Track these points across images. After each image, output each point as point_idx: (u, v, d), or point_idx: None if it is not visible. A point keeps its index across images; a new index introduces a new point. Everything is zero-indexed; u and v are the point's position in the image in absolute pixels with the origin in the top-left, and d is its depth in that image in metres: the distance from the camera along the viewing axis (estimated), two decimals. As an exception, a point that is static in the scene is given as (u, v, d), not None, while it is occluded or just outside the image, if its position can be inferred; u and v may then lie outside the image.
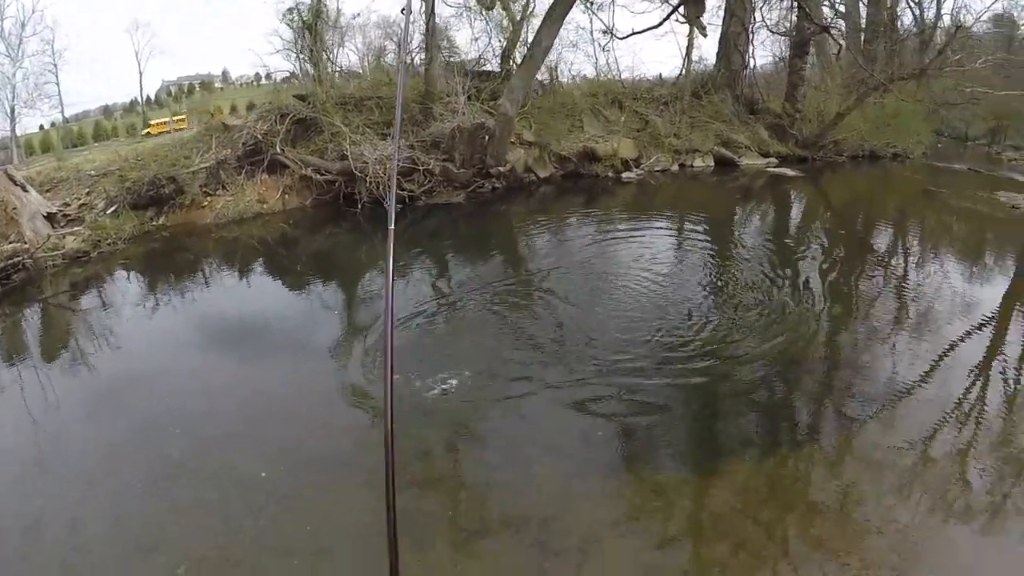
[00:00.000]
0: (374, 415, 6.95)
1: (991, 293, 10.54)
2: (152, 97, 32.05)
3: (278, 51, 21.17)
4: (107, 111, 31.68)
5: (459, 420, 6.94)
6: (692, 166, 22.77)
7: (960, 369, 8.10)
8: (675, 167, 22.44)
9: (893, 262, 12.16)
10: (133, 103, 31.30)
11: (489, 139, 18.04)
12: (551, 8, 18.36)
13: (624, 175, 20.92)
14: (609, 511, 5.78)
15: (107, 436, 6.85)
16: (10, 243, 13.12)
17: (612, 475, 6.44)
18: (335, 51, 20.73)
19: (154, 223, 16.16)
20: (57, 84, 29.23)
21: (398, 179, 16.81)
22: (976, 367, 8.19)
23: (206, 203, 16.83)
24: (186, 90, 30.84)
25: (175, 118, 31.37)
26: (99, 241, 14.61)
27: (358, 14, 20.27)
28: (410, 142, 17.47)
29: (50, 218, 14.61)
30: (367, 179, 16.30)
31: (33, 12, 26.39)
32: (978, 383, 7.90)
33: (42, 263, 13.33)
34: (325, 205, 17.40)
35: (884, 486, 6.24)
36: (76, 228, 14.82)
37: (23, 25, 26.19)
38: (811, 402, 7.60)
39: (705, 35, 24.43)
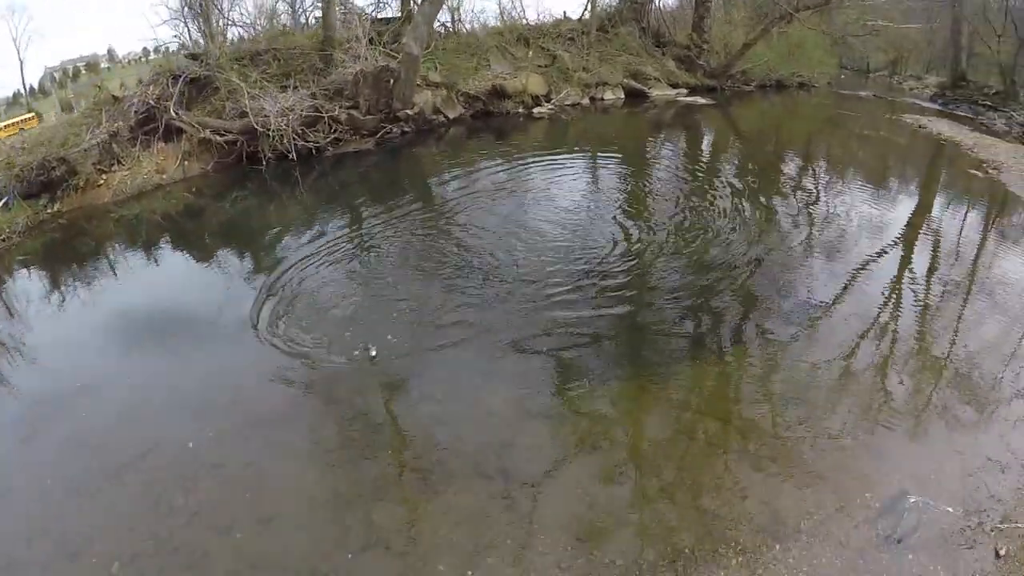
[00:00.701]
0: (298, 377, 6.86)
1: (900, 212, 10.85)
2: (36, 86, 30.04)
3: (165, 21, 19.90)
4: (-13, 109, 29.64)
5: (396, 374, 6.88)
6: (603, 99, 22.77)
7: (874, 285, 8.46)
8: (586, 101, 22.43)
9: (806, 186, 12.34)
10: (16, 95, 29.33)
11: (394, 82, 17.58)
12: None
13: (535, 110, 20.80)
14: (557, 435, 6.04)
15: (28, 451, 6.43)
16: None
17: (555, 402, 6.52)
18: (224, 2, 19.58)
19: (49, 210, 15.04)
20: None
21: (302, 131, 16.29)
22: (889, 283, 8.51)
23: (102, 181, 15.79)
24: (71, 74, 29.02)
25: (22, 117, 29.57)
26: None
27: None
28: (312, 91, 16.80)
29: None
30: (270, 134, 15.62)
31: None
32: (892, 298, 8.23)
33: None
34: (228, 168, 16.54)
35: (810, 397, 6.55)
36: None
37: None
38: (736, 323, 7.74)
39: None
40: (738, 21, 26.85)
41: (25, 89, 29.59)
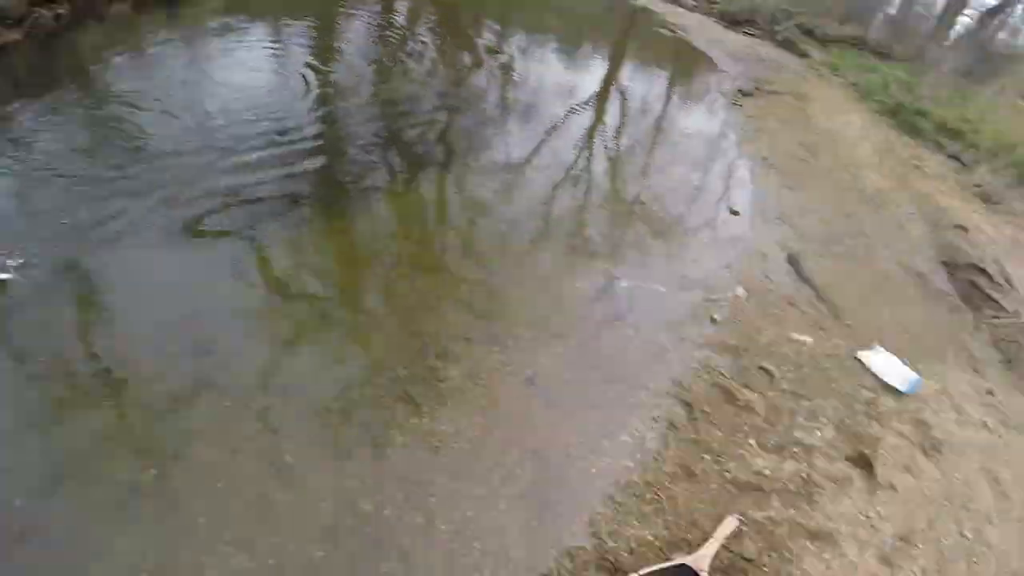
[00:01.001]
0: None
1: (593, 66, 11.14)
2: None
3: None
4: None
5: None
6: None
7: (569, 138, 8.76)
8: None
9: (498, 51, 12.05)
10: None
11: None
12: None
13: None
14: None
15: None
16: None
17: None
18: None
19: None
20: None
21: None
22: (580, 141, 8.85)
23: None
24: None
25: None
26: None
27: None
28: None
29: None
30: None
31: None
32: (584, 154, 8.59)
33: None
34: None
35: (509, 242, 6.74)
36: None
37: None
38: (435, 167, 7.60)
39: None
40: None
41: None
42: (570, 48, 13.29)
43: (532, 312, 6.15)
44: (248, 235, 6.60)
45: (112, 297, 5.87)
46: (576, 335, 6.04)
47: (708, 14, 22.17)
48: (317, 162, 7.82)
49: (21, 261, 5.89)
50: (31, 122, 9.62)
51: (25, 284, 5.77)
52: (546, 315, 6.21)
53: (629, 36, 16.64)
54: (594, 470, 5.04)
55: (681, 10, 21.91)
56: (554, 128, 8.99)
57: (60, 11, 15.33)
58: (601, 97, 10.48)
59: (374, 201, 7.34)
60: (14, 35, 14.54)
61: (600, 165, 8.57)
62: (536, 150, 8.40)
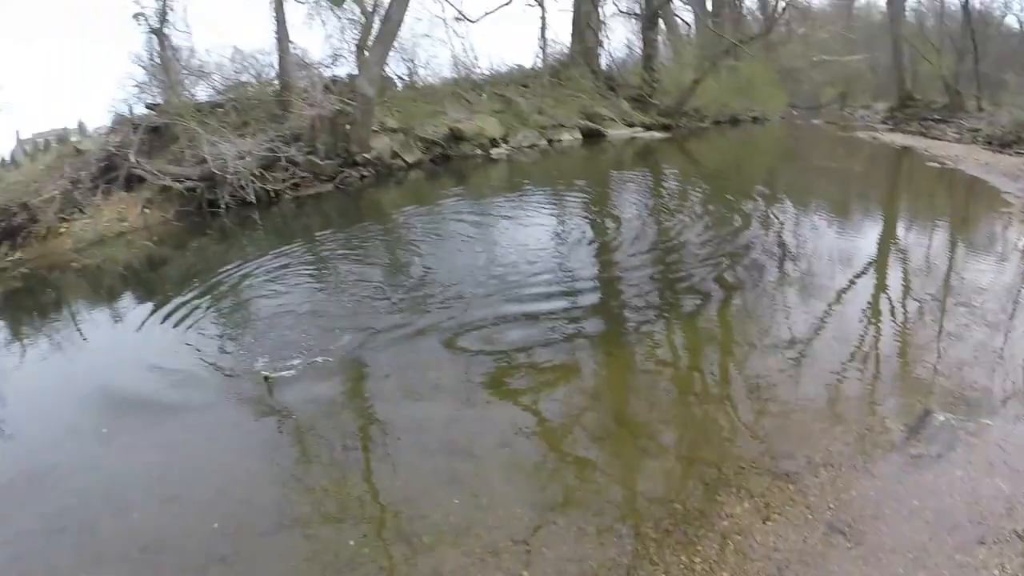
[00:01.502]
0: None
1: (869, 233, 10.76)
2: (7, 159, 30.33)
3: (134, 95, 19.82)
4: (-44, 177, 29.75)
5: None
6: (560, 140, 23.41)
7: (852, 315, 8.02)
8: (543, 143, 23.04)
9: (772, 215, 12.06)
10: (-15, 166, 29.51)
11: (351, 125, 18.05)
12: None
13: (493, 152, 21.37)
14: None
15: None
16: None
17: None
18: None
19: (9, 258, 15.09)
20: None
21: (261, 174, 16.65)
22: (865, 312, 8.09)
23: (63, 229, 15.94)
24: (43, 147, 29.41)
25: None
26: None
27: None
28: (270, 136, 17.22)
29: None
30: (228, 178, 16.07)
31: None
32: (869, 323, 7.84)
33: None
34: (189, 215, 16.76)
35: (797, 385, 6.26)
36: None
37: None
38: (715, 357, 7.32)
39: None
40: (686, 59, 27.81)
41: (-6, 161, 29.76)
42: (841, 203, 12.84)
43: (827, 444, 5.25)
44: (523, 358, 6.83)
45: (386, 389, 6.44)
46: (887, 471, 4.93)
47: (974, 142, 21.08)
48: (593, 297, 8.21)
49: (315, 360, 6.76)
50: (336, 248, 11.76)
51: (307, 377, 6.52)
52: (844, 450, 5.27)
53: (900, 175, 16.02)
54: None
55: (943, 143, 21.09)
56: (833, 293, 8.40)
57: (365, 173, 18.76)
58: (882, 256, 9.82)
59: (650, 334, 7.24)
60: (327, 187, 17.86)
61: (888, 333, 7.45)
62: (820, 326, 7.64)
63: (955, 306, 7.73)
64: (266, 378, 6.37)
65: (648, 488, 4.99)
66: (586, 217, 12.05)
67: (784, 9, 27.27)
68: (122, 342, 9.32)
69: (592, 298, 8.37)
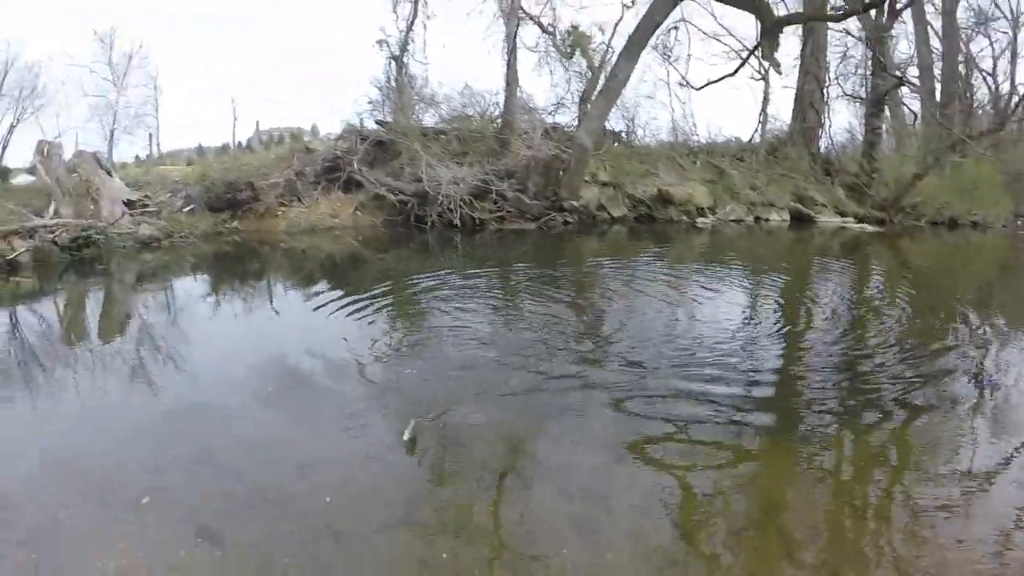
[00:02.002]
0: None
1: None
2: (244, 143, 33.24)
3: (367, 111, 20.84)
4: (200, 151, 32.96)
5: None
6: (768, 220, 22.22)
7: None
8: (750, 219, 21.95)
9: (980, 335, 10.58)
10: (224, 147, 32.46)
11: (563, 172, 17.99)
12: (628, 42, 18.51)
13: (699, 221, 20.54)
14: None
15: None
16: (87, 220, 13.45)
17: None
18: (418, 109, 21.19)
19: (227, 225, 16.45)
20: (156, 117, 30.28)
21: (470, 201, 16.91)
22: None
23: (279, 212, 17.06)
24: (276, 139, 32.05)
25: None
26: (172, 232, 14.92)
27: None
28: (485, 169, 17.52)
29: (129, 205, 14.93)
30: (439, 199, 16.38)
31: (140, 47, 27.65)
32: None
33: (114, 242, 13.49)
34: (396, 225, 17.46)
35: None
36: (152, 219, 15.15)
37: (130, 57, 27.58)
38: (885, 477, 6.59)
39: (780, 72, 24.01)
40: (908, 151, 25.81)
41: (233, 143, 32.56)
42: None
43: None
44: (685, 434, 6.42)
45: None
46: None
47: None
48: (770, 389, 7.66)
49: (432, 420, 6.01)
50: (526, 281, 11.80)
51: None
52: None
53: None
54: None
55: None
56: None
57: (569, 220, 18.45)
58: None
59: (821, 439, 6.70)
60: (530, 225, 17.91)
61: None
62: (1002, 448, 6.70)
63: None
64: (410, 441, 5.47)
65: None
66: (781, 304, 11.05)
67: (1019, 105, 24.56)
68: (303, 321, 9.54)
69: (769, 390, 7.61)
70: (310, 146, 19.60)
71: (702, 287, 12.20)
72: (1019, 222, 29.89)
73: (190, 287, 11.76)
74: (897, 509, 5.39)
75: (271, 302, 10.92)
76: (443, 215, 16.61)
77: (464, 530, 4.56)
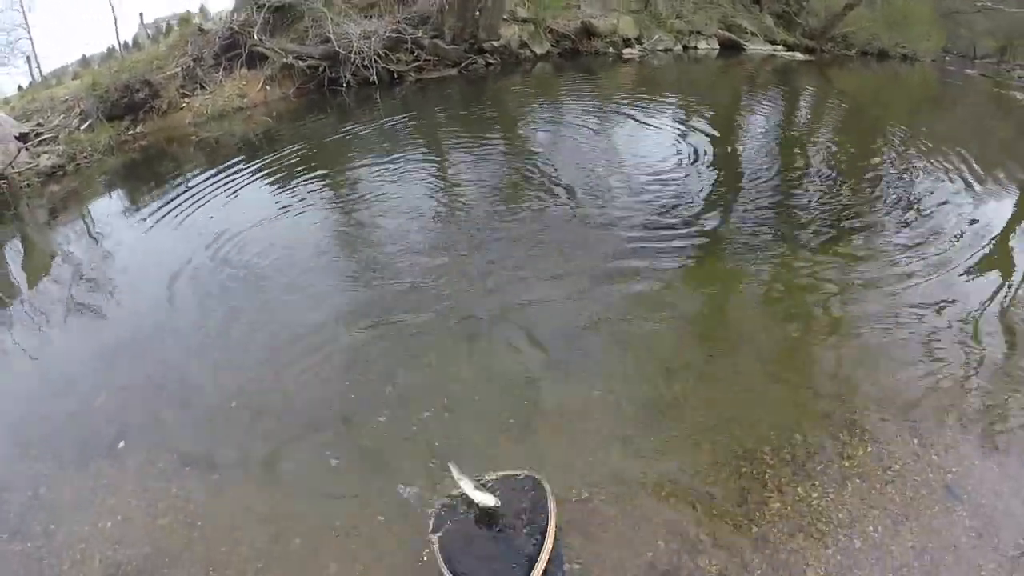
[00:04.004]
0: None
1: (1000, 203, 8.87)
2: (130, 42, 30.54)
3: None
4: (85, 62, 30.28)
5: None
6: (696, 48, 21.58)
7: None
8: (678, 48, 21.29)
9: (907, 162, 10.43)
10: (111, 51, 29.86)
11: (480, 11, 16.90)
12: None
13: (625, 52, 19.77)
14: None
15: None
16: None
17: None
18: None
19: (131, 132, 15.17)
20: (30, 39, 27.71)
21: (383, 54, 15.89)
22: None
23: (184, 104, 15.84)
24: (164, 30, 29.53)
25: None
26: (75, 155, 13.75)
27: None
28: (396, 18, 16.36)
29: (23, 139, 13.66)
30: (352, 57, 15.43)
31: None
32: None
33: (16, 183, 12.47)
34: (309, 93, 16.39)
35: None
36: (50, 147, 13.93)
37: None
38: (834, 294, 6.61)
39: None
40: None
41: (119, 45, 29.99)
42: (986, 163, 10.34)
43: (963, 402, 4.77)
44: (630, 263, 6.69)
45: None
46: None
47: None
48: (707, 216, 7.61)
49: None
50: (456, 149, 11.08)
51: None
52: (975, 410, 4.77)
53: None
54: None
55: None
56: (944, 241, 7.13)
57: (491, 61, 17.71)
58: (1010, 226, 7.94)
59: (762, 260, 6.75)
60: (452, 72, 17.01)
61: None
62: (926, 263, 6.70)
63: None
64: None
65: (768, 413, 4.77)
66: (712, 134, 10.96)
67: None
68: (227, 216, 9.16)
69: (708, 216, 7.86)
70: (203, 27, 17.88)
71: (632, 120, 12.01)
72: (947, 58, 29.87)
73: (105, 208, 10.90)
74: (828, 319, 5.85)
75: (192, 202, 10.10)
76: (357, 73, 15.62)
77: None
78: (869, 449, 4.44)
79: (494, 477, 3.84)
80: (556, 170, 9.15)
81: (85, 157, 13.80)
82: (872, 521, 3.99)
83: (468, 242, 7.29)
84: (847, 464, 4.33)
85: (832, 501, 4.09)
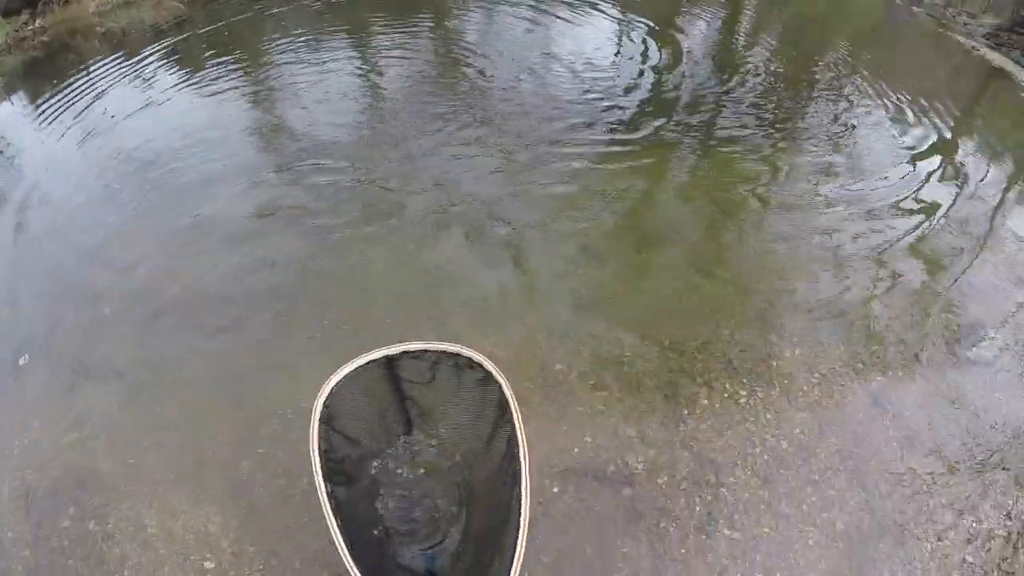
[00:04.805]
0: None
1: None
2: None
3: None
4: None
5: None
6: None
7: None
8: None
9: (842, 83, 10.41)
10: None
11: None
12: None
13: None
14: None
15: None
16: None
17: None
18: None
19: (29, 27, 13.72)
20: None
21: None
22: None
23: (86, -9, 14.44)
24: None
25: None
26: None
27: None
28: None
29: None
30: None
31: None
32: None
33: None
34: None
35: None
36: None
37: None
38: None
39: None
40: None
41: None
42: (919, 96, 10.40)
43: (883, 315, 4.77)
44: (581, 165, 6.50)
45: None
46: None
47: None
48: (644, 116, 7.49)
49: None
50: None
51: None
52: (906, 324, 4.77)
53: (983, 90, 12.97)
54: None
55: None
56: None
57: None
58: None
59: (696, 157, 6.73)
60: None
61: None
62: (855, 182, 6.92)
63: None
64: None
65: (697, 307, 4.72)
66: (652, 39, 10.46)
67: None
68: (137, 107, 8.70)
69: (647, 116, 7.71)
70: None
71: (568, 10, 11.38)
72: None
73: (5, 113, 9.98)
74: (758, 219, 5.81)
75: (100, 98, 9.47)
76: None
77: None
78: (797, 352, 4.41)
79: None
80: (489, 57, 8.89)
81: (-20, 60, 12.63)
82: (799, 424, 3.96)
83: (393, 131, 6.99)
84: (775, 364, 4.28)
85: (760, 400, 4.04)
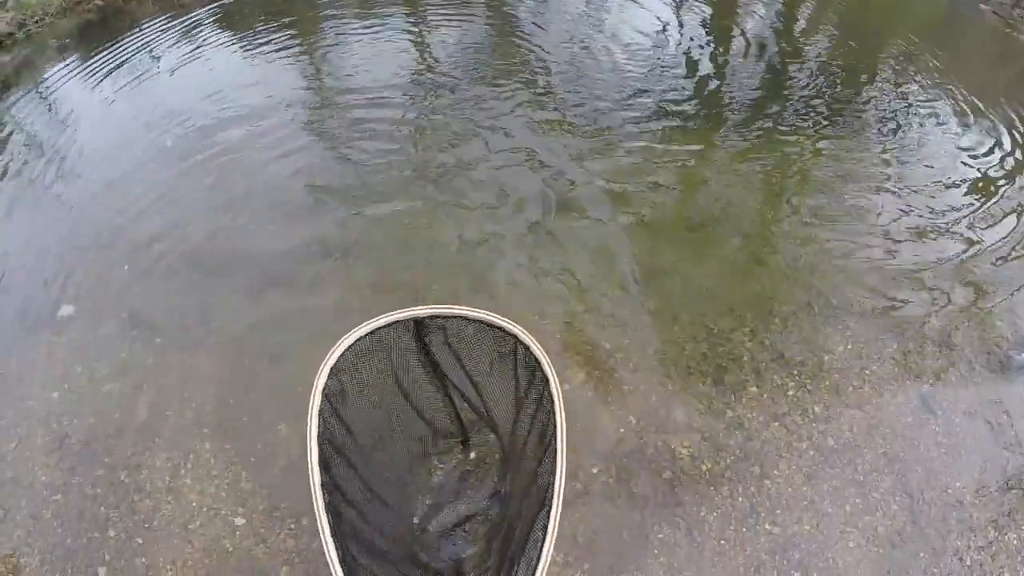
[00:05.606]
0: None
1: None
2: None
3: None
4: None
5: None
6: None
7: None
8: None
9: (902, 77, 10.07)
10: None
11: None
12: None
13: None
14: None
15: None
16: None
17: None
18: None
19: None
20: None
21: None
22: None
23: (142, -42, 14.43)
24: None
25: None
26: (24, 21, 12.50)
27: None
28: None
29: None
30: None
31: None
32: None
33: None
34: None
35: None
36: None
37: None
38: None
39: None
40: None
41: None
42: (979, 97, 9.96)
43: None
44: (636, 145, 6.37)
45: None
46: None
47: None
48: (698, 97, 7.32)
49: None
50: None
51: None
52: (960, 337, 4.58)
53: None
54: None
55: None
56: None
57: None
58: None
59: (749, 142, 6.56)
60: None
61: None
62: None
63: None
64: None
65: (748, 293, 4.58)
66: (707, 19, 10.28)
67: None
68: (189, 70, 8.85)
69: (701, 103, 7.60)
70: None
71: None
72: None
73: (61, 76, 9.95)
74: (813, 206, 5.72)
75: (153, 59, 9.50)
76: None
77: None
78: (849, 347, 4.28)
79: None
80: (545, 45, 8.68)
81: (36, 22, 12.69)
82: (848, 421, 3.86)
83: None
84: (826, 358, 4.17)
85: (810, 394, 3.94)
